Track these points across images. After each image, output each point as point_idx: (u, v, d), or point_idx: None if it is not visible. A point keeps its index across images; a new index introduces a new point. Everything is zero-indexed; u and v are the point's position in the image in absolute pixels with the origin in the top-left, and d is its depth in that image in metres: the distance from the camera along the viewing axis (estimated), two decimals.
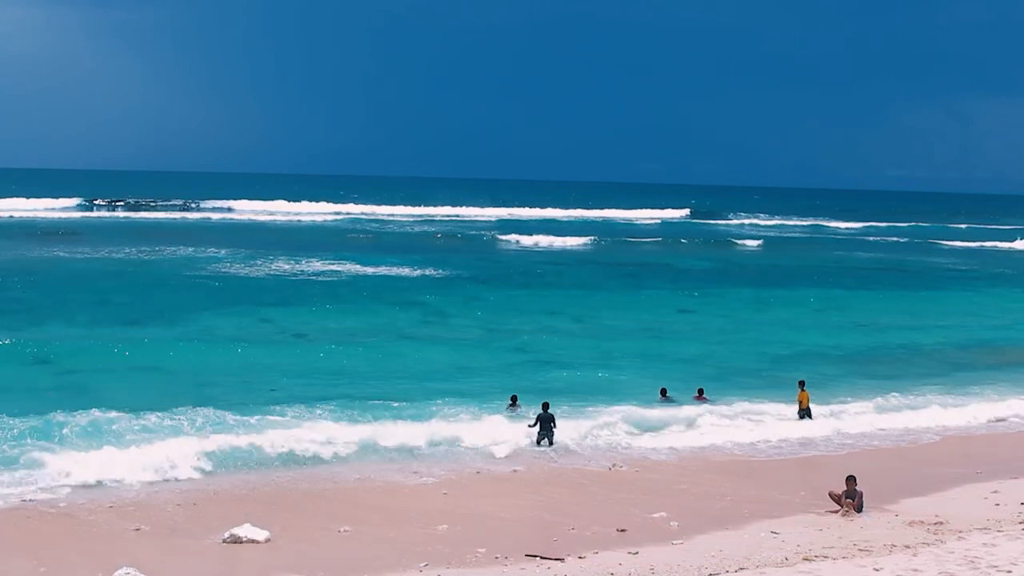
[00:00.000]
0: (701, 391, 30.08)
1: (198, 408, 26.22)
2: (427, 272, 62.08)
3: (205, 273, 57.83)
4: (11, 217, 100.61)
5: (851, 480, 20.95)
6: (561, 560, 17.52)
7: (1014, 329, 47.55)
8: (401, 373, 33.08)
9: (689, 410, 28.38)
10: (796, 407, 28.62)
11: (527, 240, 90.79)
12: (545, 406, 25.47)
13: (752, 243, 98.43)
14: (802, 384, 29.03)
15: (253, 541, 17.97)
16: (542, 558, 17.65)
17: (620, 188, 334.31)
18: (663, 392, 29.88)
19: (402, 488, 21.65)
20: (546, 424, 25.00)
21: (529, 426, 25.24)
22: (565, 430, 25.58)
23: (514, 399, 28.01)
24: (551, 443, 24.94)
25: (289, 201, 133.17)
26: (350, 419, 25.90)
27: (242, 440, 23.34)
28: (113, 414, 25.04)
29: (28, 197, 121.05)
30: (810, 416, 28.42)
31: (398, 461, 23.39)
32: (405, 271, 62.45)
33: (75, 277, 53.69)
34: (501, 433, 25.15)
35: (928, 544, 18.14)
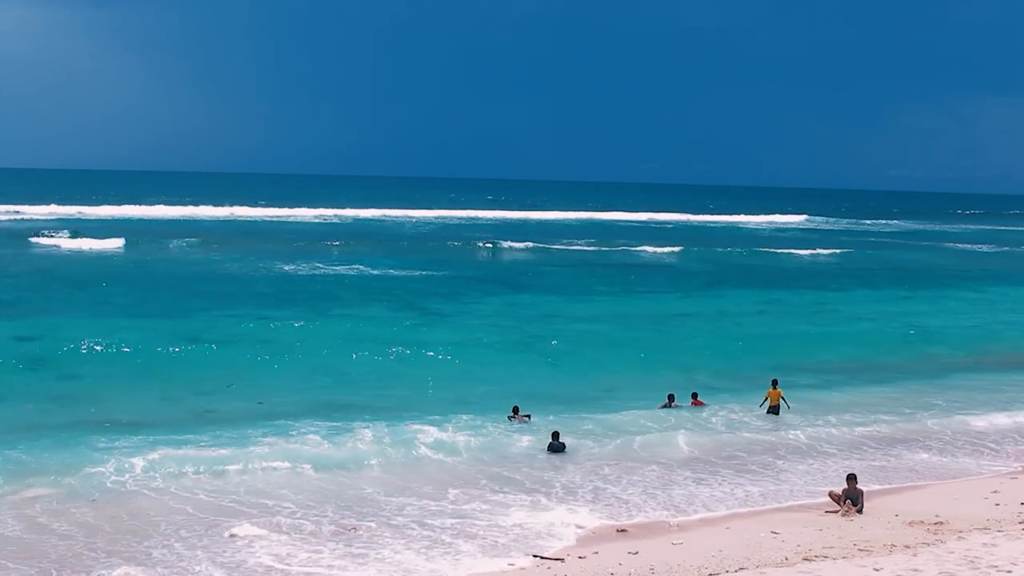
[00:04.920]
0: (695, 395, 29.89)
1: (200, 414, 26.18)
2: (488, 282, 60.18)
3: (203, 273, 57.84)
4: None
5: (852, 479, 20.96)
6: (561, 560, 17.54)
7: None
8: (402, 380, 32.64)
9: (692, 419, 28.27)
10: (767, 403, 29.25)
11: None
12: (555, 435, 25.10)
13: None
14: (775, 383, 29.62)
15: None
16: (543, 558, 17.68)
17: (620, 188, 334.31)
18: (671, 398, 29.62)
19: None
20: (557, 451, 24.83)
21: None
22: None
23: (516, 410, 27.29)
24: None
25: (290, 207, 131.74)
26: (346, 428, 25.71)
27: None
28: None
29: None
30: (777, 412, 28.94)
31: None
32: (443, 275, 62.39)
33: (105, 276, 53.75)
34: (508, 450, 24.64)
35: (928, 544, 18.14)
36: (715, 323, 45.96)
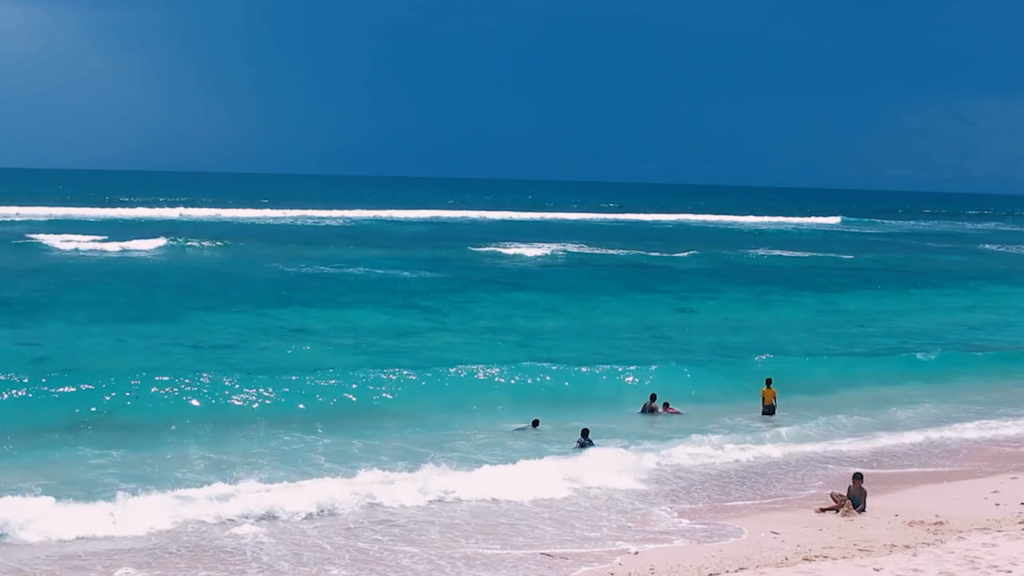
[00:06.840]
0: (667, 404, 29.63)
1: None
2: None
3: (204, 274, 57.89)
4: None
5: (857, 478, 20.96)
6: (567, 559, 17.64)
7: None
8: (405, 381, 32.23)
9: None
10: (760, 403, 29.39)
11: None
12: (584, 432, 25.27)
13: None
14: (769, 382, 29.71)
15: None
16: (549, 555, 17.77)
17: (620, 188, 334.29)
18: (652, 398, 29.63)
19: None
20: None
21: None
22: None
23: (535, 423, 27.09)
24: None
25: (291, 208, 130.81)
26: (348, 430, 25.85)
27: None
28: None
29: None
30: (772, 412, 29.05)
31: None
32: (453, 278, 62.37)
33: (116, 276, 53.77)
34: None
35: (928, 544, 18.18)
36: (720, 324, 45.93)
